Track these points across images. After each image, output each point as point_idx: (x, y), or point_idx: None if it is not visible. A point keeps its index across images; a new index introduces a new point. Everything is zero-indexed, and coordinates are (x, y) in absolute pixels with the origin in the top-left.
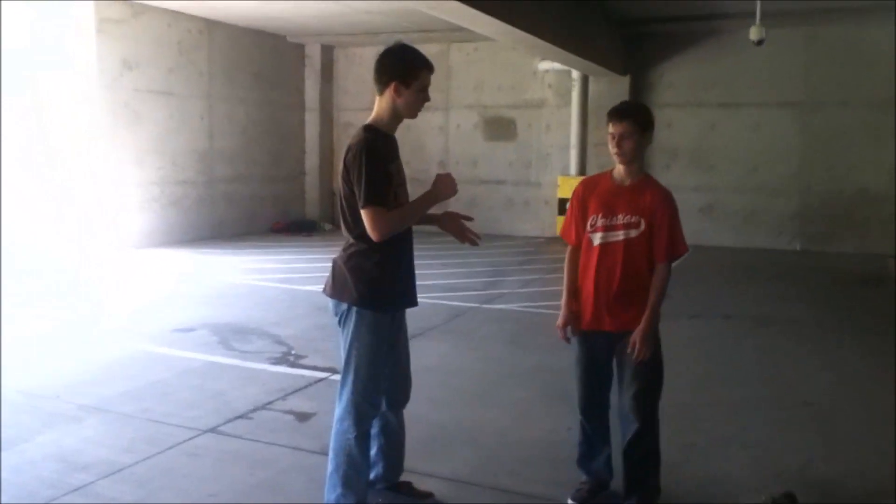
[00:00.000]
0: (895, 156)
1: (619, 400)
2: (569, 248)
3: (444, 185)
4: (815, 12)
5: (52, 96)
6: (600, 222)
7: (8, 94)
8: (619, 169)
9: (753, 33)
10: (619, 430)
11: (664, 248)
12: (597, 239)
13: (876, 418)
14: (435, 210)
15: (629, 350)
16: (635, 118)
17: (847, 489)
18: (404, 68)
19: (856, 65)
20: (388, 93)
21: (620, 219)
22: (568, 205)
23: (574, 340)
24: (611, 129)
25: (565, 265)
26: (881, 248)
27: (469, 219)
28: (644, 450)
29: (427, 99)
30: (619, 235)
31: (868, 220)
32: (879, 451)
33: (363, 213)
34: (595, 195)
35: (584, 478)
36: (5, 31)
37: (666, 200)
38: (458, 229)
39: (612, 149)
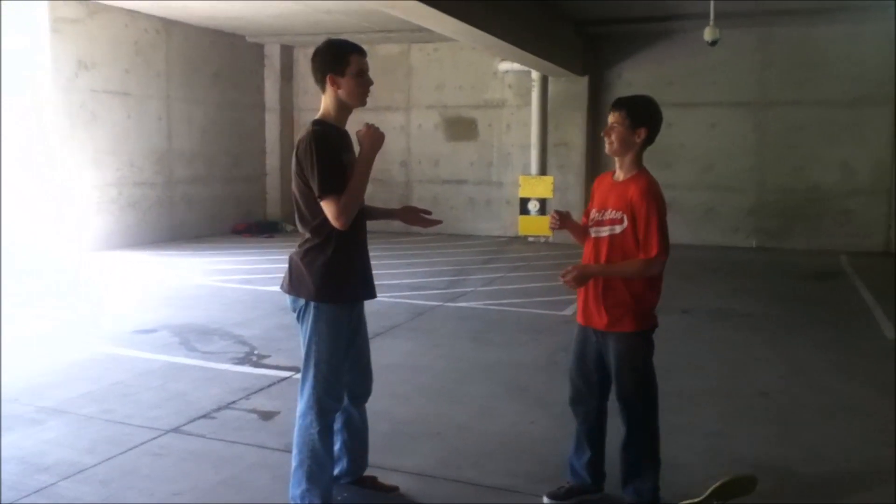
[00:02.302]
0: (845, 154)
1: (617, 400)
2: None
3: (370, 137)
4: (768, 13)
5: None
6: (595, 216)
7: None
8: (616, 164)
9: (707, 34)
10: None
11: (641, 245)
12: (591, 233)
13: (828, 407)
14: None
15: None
16: (628, 109)
17: (801, 474)
18: (334, 59)
19: (808, 65)
20: (328, 87)
21: (608, 214)
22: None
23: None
24: (609, 118)
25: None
26: (833, 244)
27: (427, 212)
28: (635, 452)
29: (369, 82)
30: (605, 231)
31: (820, 217)
32: (831, 438)
33: (323, 205)
34: (599, 190)
35: (568, 477)
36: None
37: (644, 194)
38: (418, 219)
39: (603, 136)
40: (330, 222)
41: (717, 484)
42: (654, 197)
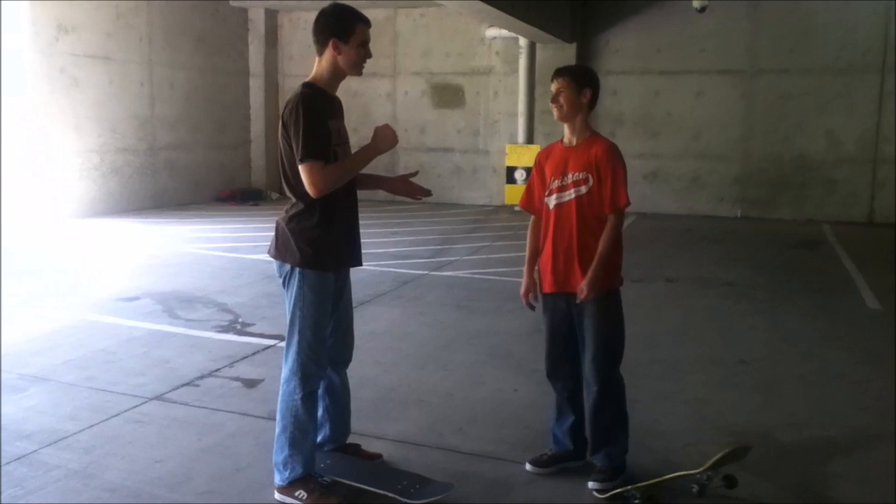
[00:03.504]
0: (833, 123)
1: (583, 365)
2: (532, 219)
3: (384, 136)
4: None
5: None
6: (555, 185)
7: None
8: (565, 131)
9: (696, 1)
10: (585, 395)
11: (609, 199)
12: (552, 202)
13: (811, 374)
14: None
15: (577, 299)
16: (570, 75)
17: (782, 441)
18: (341, 24)
19: (796, 33)
20: (328, 51)
21: (570, 178)
22: (528, 177)
23: (539, 304)
24: (552, 88)
25: (527, 234)
26: (817, 213)
27: (414, 174)
28: (608, 414)
29: (369, 55)
30: (571, 194)
31: (805, 186)
32: (814, 404)
33: (301, 169)
34: (550, 161)
35: (551, 446)
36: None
37: (609, 151)
38: (407, 189)
39: (552, 106)
40: None
41: (717, 457)
42: (618, 154)
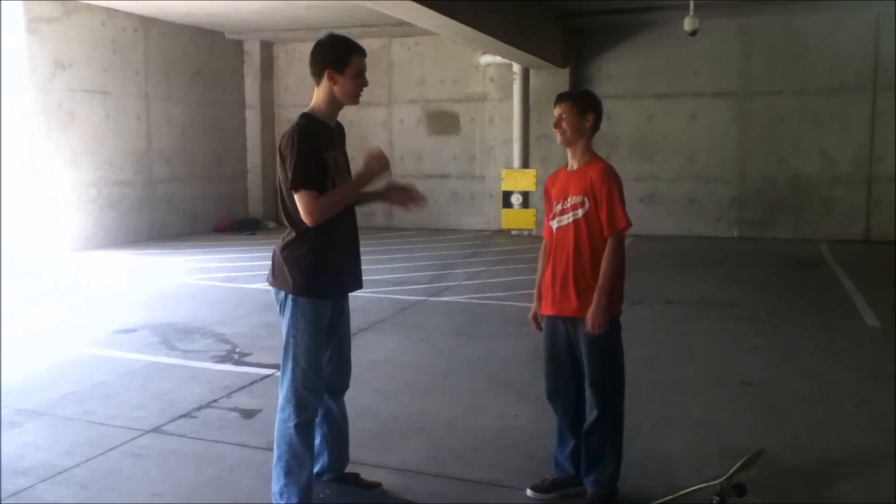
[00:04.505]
0: (827, 143)
1: (586, 391)
2: (543, 243)
3: (375, 162)
4: (747, 3)
5: None
6: (557, 208)
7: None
8: (568, 156)
9: (687, 24)
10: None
11: (606, 221)
12: (554, 225)
13: (813, 394)
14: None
15: (585, 331)
16: (573, 99)
17: (786, 462)
18: (336, 55)
19: (789, 54)
20: (325, 82)
21: (570, 201)
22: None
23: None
24: (554, 113)
25: (539, 259)
26: (813, 233)
27: (414, 191)
28: (602, 435)
29: (365, 84)
30: (569, 218)
31: (800, 206)
32: (816, 425)
33: (295, 198)
34: (555, 186)
35: (553, 471)
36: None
37: (603, 174)
38: (402, 199)
39: (554, 131)
40: None
41: (735, 467)
42: (613, 176)
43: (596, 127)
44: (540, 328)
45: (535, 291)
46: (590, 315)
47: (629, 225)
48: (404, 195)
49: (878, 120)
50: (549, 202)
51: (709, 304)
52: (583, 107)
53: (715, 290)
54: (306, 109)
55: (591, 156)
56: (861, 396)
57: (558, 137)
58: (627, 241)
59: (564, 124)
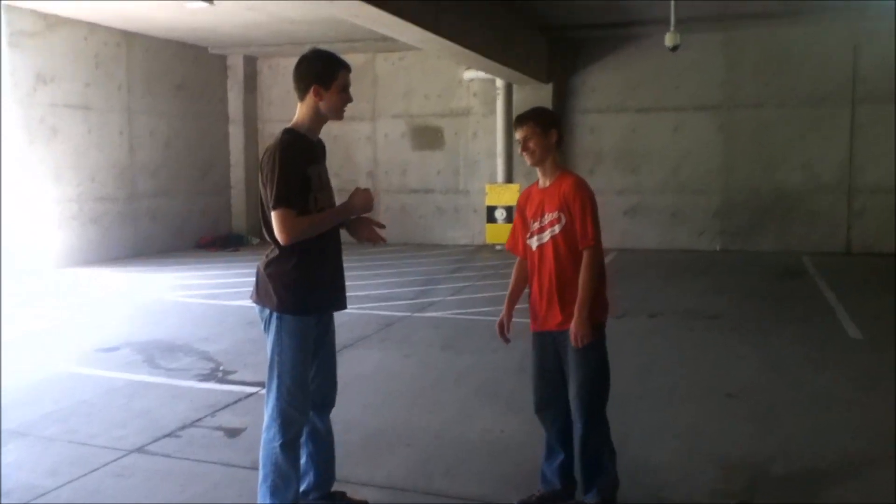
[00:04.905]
0: (809, 155)
1: (570, 402)
2: (518, 259)
3: (360, 200)
4: (729, 17)
5: None
6: (535, 226)
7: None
8: (538, 174)
9: (668, 40)
10: (574, 431)
11: (580, 235)
12: (534, 243)
13: (800, 402)
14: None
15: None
16: (534, 120)
17: (777, 471)
18: (322, 71)
19: (771, 67)
20: (310, 97)
21: (546, 218)
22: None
23: (512, 338)
24: (517, 136)
25: (512, 273)
26: (796, 244)
27: (381, 226)
28: (593, 450)
29: (349, 99)
30: (547, 235)
31: (783, 218)
32: (804, 433)
33: (272, 215)
34: (529, 204)
35: (540, 485)
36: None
37: (575, 187)
38: (368, 234)
39: (522, 154)
40: None
41: None
42: (584, 188)
43: (560, 142)
44: (506, 338)
45: (504, 304)
46: (572, 328)
47: (598, 238)
48: (368, 231)
49: (856, 132)
50: (524, 219)
51: (694, 315)
52: (545, 125)
53: (700, 301)
54: (289, 124)
55: (560, 170)
56: (848, 404)
57: (527, 159)
58: (611, 255)
59: (532, 144)
